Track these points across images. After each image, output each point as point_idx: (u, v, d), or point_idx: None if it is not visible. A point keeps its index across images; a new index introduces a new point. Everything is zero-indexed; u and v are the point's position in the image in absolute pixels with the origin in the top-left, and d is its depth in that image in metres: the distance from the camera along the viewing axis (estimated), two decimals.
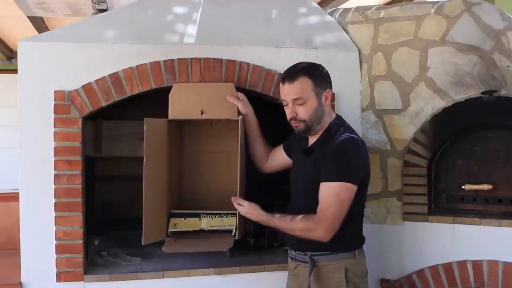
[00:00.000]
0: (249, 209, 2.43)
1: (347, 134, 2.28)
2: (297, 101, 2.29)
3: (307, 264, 2.31)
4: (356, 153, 2.25)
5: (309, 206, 2.25)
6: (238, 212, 2.57)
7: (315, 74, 2.32)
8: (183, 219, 2.75)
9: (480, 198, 2.87)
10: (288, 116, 2.34)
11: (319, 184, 2.22)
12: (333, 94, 2.92)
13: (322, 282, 2.29)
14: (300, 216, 2.26)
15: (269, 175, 2.76)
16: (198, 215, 2.76)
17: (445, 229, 2.86)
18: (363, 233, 2.43)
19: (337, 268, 2.27)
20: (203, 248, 2.72)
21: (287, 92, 2.31)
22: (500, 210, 2.81)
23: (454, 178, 2.92)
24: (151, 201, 2.56)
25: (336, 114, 2.45)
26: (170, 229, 2.71)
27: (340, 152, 2.23)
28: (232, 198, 2.49)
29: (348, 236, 2.30)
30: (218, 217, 2.74)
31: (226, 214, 2.72)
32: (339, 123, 2.36)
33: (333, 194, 2.18)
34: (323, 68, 2.39)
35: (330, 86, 2.36)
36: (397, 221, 2.96)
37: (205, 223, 2.74)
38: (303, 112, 2.30)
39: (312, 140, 2.39)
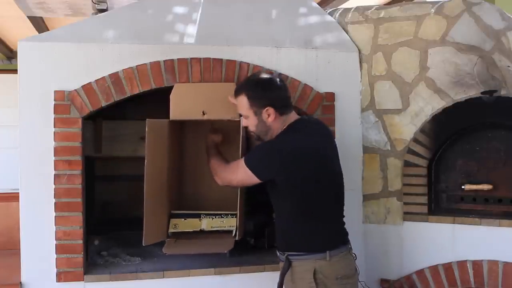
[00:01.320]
0: (209, 137, 2.70)
1: (279, 138, 2.36)
2: (242, 115, 2.44)
3: None
4: (267, 154, 2.35)
5: (275, 209, 2.43)
6: (238, 211, 2.57)
7: (252, 93, 2.37)
8: (183, 219, 2.74)
9: (480, 198, 2.87)
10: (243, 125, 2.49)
11: (274, 188, 2.35)
12: (332, 94, 2.93)
13: (296, 282, 2.32)
14: (219, 161, 2.55)
15: None
16: (198, 216, 2.76)
17: (445, 229, 2.86)
18: (341, 233, 2.40)
19: (307, 269, 2.28)
20: (203, 249, 2.72)
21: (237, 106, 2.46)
22: (500, 210, 2.81)
23: (454, 178, 2.92)
24: (152, 202, 2.55)
25: (296, 119, 2.42)
26: (170, 230, 2.71)
27: (264, 146, 2.40)
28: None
29: (317, 237, 2.32)
30: (219, 217, 2.74)
31: (227, 214, 2.72)
32: (286, 130, 2.38)
33: (238, 168, 2.40)
34: (265, 84, 2.39)
35: (272, 103, 2.34)
36: (397, 221, 2.96)
37: (205, 223, 2.74)
38: (250, 125, 2.43)
39: None
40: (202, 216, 2.76)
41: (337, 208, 2.43)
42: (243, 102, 2.39)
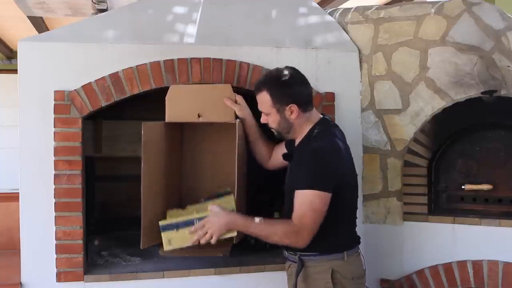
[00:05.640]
0: (218, 218, 2.26)
1: (320, 141, 2.26)
2: (263, 112, 2.37)
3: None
4: (327, 160, 2.21)
5: (291, 210, 2.27)
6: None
7: (276, 90, 2.29)
8: (175, 230, 2.41)
9: (480, 198, 2.87)
10: (262, 122, 2.42)
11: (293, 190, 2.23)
12: (332, 94, 2.93)
13: (310, 282, 2.29)
14: (278, 223, 2.25)
15: (271, 173, 2.74)
16: (191, 222, 2.37)
17: (445, 229, 2.86)
18: (356, 234, 2.41)
19: (324, 269, 2.26)
20: (201, 253, 2.70)
21: (258, 102, 2.38)
22: (500, 210, 2.81)
23: (454, 178, 2.92)
24: (150, 204, 2.54)
25: (321, 117, 2.39)
26: (166, 248, 2.45)
27: (313, 159, 2.22)
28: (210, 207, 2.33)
29: (336, 237, 2.30)
30: None
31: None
32: (319, 129, 2.33)
33: (306, 202, 2.17)
34: (289, 80, 2.29)
35: (295, 100, 2.28)
36: (397, 221, 2.96)
37: None
38: (271, 122, 2.36)
39: (296, 143, 2.40)
40: (195, 221, 2.35)
41: (356, 207, 2.44)
42: (265, 99, 2.31)
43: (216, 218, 2.27)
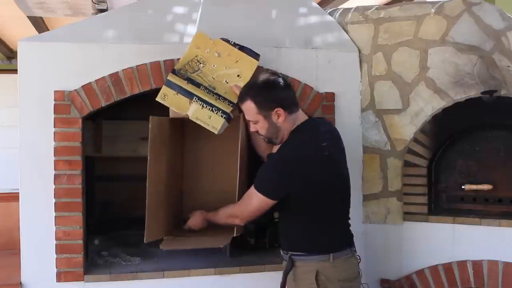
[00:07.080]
0: (192, 220, 2.63)
1: (285, 149, 2.31)
2: (250, 121, 2.37)
3: None
4: (284, 170, 2.26)
5: (281, 211, 2.43)
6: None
7: (259, 97, 2.29)
8: (175, 93, 2.50)
9: (480, 198, 2.87)
10: (251, 131, 2.43)
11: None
12: (332, 94, 2.93)
13: (297, 282, 2.32)
14: (224, 209, 2.49)
15: None
16: (191, 96, 2.51)
17: (445, 229, 2.86)
18: (346, 236, 2.39)
19: (309, 270, 2.28)
20: (200, 245, 2.70)
21: (244, 112, 2.40)
22: (500, 210, 2.81)
23: (454, 178, 2.92)
24: (154, 198, 2.54)
25: (306, 118, 2.38)
26: (158, 99, 2.50)
27: (272, 165, 2.33)
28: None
29: (319, 238, 2.31)
30: (209, 109, 2.52)
31: (218, 109, 2.52)
32: (291, 136, 2.33)
33: (251, 198, 2.34)
34: (270, 85, 2.31)
35: (280, 104, 2.27)
36: (397, 221, 2.96)
37: (193, 110, 2.52)
38: (259, 129, 2.36)
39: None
40: (194, 99, 2.50)
41: (343, 210, 2.42)
42: (250, 108, 2.31)
43: (194, 221, 2.64)
